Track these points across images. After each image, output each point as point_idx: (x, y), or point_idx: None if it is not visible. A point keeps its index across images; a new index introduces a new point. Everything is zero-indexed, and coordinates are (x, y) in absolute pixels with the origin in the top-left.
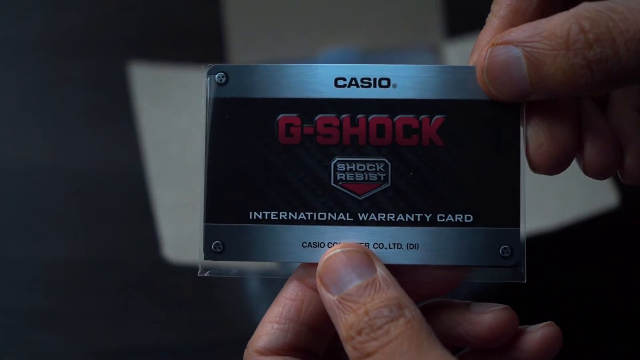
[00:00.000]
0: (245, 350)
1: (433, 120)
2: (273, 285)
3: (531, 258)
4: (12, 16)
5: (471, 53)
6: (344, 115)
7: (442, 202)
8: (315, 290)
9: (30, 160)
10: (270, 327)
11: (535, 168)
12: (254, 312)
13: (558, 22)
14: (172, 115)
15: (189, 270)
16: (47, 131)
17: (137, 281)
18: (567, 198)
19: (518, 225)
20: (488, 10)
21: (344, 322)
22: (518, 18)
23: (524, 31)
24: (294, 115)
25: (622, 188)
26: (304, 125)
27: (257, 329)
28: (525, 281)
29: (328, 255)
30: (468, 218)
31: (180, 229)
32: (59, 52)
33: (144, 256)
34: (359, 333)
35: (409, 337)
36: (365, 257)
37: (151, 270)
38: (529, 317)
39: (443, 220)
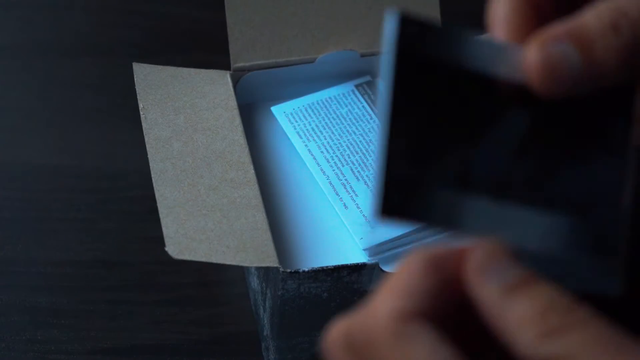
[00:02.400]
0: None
1: None
2: (273, 283)
3: None
4: (18, 19)
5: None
6: None
7: None
8: None
9: (35, 160)
10: None
11: None
12: (256, 309)
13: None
14: (174, 114)
15: (191, 268)
16: (51, 131)
17: (140, 278)
18: None
19: None
20: (487, 12)
21: None
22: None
23: (564, 26)
24: None
25: None
26: None
27: None
28: None
29: None
30: None
31: (182, 226)
32: (64, 54)
33: (146, 254)
34: None
35: None
36: None
37: (154, 267)
38: None
39: None
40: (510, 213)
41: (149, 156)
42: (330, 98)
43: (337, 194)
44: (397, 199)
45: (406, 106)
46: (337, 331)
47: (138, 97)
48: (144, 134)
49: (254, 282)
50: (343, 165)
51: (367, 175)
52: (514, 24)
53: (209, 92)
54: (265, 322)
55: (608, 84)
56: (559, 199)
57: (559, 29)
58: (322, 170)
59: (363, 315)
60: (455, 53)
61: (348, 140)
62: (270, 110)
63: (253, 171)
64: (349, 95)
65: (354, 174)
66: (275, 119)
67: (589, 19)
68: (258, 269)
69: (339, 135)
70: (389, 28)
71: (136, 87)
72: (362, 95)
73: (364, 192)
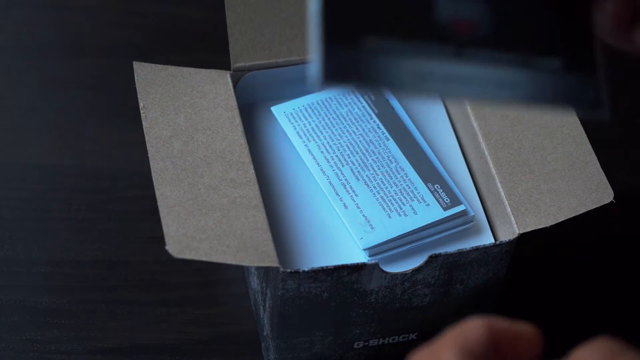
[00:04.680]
0: None
1: None
2: (273, 283)
3: (526, 255)
4: (18, 19)
5: None
6: None
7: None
8: None
9: (35, 160)
10: None
11: None
12: (256, 309)
13: None
14: (175, 113)
15: (191, 268)
16: (51, 131)
17: (140, 278)
18: (563, 195)
19: None
20: None
21: None
22: None
23: None
24: None
25: (618, 185)
26: None
27: None
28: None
29: None
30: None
31: (183, 225)
32: (64, 54)
33: (146, 254)
34: None
35: None
36: None
37: (154, 267)
38: (523, 314)
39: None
40: (470, 70)
41: (150, 155)
42: (330, 98)
43: (337, 194)
44: (338, 63)
45: None
46: None
47: (139, 96)
48: (145, 132)
49: (254, 282)
50: (343, 165)
51: (367, 176)
52: None
53: (209, 92)
54: (265, 322)
55: None
56: (522, 46)
57: None
58: (322, 170)
59: None
60: None
61: (348, 140)
62: (270, 110)
63: (253, 171)
64: (349, 95)
65: (354, 174)
66: (275, 119)
67: None
68: (258, 269)
69: (339, 135)
70: None
71: (137, 86)
72: (362, 95)
73: (364, 192)
